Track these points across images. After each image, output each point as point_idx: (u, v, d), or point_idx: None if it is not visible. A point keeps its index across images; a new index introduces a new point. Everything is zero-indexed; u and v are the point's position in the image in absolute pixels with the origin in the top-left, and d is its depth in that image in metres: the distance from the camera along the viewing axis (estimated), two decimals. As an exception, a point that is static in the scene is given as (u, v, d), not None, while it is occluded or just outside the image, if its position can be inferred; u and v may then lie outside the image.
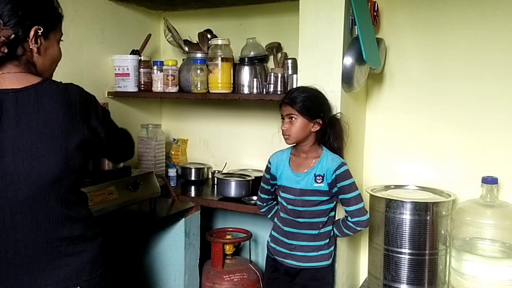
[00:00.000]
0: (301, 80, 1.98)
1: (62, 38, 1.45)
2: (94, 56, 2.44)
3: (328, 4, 1.89)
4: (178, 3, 2.61)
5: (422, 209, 1.93)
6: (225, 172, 2.48)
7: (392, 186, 2.17)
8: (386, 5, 2.22)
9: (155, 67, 2.50)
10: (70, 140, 1.18)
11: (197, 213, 2.21)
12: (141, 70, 2.53)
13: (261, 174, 2.52)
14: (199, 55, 2.45)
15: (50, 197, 1.18)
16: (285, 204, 1.83)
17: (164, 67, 2.45)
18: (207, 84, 2.33)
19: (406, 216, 1.93)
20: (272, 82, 2.20)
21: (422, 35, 2.18)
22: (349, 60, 1.91)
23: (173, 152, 2.79)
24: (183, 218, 2.12)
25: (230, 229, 2.49)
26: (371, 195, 2.06)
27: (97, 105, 1.30)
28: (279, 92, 2.18)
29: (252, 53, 2.40)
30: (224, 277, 2.23)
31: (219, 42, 2.30)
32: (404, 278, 1.96)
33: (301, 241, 1.80)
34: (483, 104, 2.08)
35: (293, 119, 1.74)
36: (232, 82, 2.32)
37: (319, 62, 1.94)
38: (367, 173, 2.33)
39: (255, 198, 2.22)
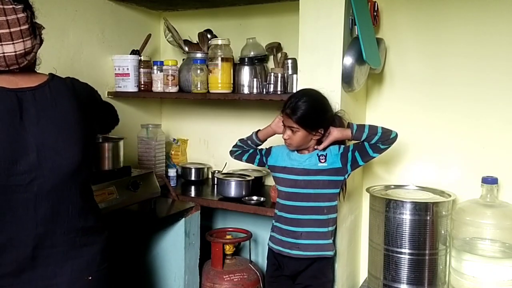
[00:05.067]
0: (301, 80, 1.98)
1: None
2: (94, 56, 2.44)
3: (328, 4, 1.89)
4: (178, 3, 2.61)
5: (422, 209, 1.92)
6: (225, 172, 2.48)
7: (392, 186, 2.17)
8: (386, 5, 2.22)
9: (155, 67, 2.50)
10: (84, 132, 1.27)
11: (197, 213, 2.21)
12: (141, 70, 2.53)
13: (261, 174, 2.54)
14: (199, 55, 2.45)
15: (71, 188, 1.25)
16: (286, 189, 1.83)
17: (164, 67, 2.45)
18: (207, 84, 2.32)
19: (406, 216, 1.93)
20: (272, 82, 2.20)
21: (422, 35, 2.18)
22: (349, 60, 1.91)
23: (173, 152, 2.79)
24: (183, 218, 2.12)
25: (230, 229, 2.49)
26: (371, 195, 2.06)
27: (95, 94, 1.40)
28: (279, 92, 2.18)
29: (252, 53, 2.40)
30: (224, 277, 2.23)
31: (219, 42, 2.30)
32: (404, 278, 1.96)
33: (307, 227, 1.80)
34: (483, 104, 2.08)
35: (294, 130, 1.76)
36: (232, 82, 2.32)
37: (319, 62, 1.94)
38: (367, 173, 2.33)
39: (255, 198, 2.23)
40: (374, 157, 1.79)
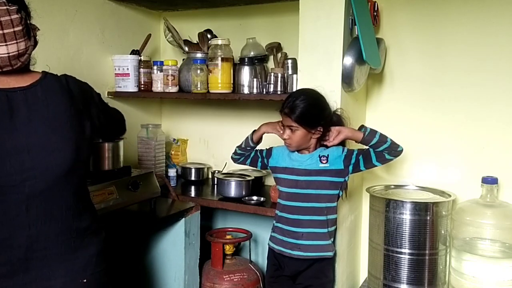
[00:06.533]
0: (301, 80, 1.98)
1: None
2: (94, 56, 2.44)
3: (328, 4, 1.89)
4: (178, 3, 2.61)
5: (422, 209, 1.93)
6: (225, 172, 2.48)
7: (392, 186, 2.18)
8: (386, 5, 2.22)
9: (155, 67, 2.49)
10: (78, 132, 1.25)
11: (197, 213, 2.21)
12: (141, 70, 2.53)
13: (261, 174, 2.54)
14: (199, 55, 2.45)
15: (65, 188, 1.23)
16: (287, 190, 1.83)
17: (164, 67, 2.45)
18: (207, 84, 2.32)
19: (406, 216, 1.93)
20: (272, 82, 2.20)
21: (422, 35, 2.18)
22: (349, 60, 1.91)
23: (173, 152, 2.79)
24: (183, 218, 2.12)
25: (230, 229, 2.49)
26: (371, 195, 2.06)
27: (92, 93, 1.37)
28: (279, 92, 2.18)
29: (252, 53, 2.40)
30: (224, 277, 2.23)
31: (219, 42, 2.30)
32: (404, 278, 1.96)
33: (307, 227, 1.80)
34: (483, 104, 2.08)
35: (293, 129, 1.75)
36: (232, 82, 2.32)
37: (319, 62, 1.94)
38: (367, 173, 2.32)
39: (255, 198, 2.23)
40: (376, 165, 1.80)
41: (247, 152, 1.97)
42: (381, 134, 1.76)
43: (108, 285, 1.36)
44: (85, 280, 1.26)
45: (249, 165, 2.02)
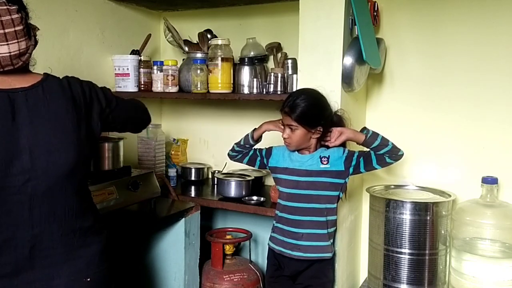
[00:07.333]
0: (301, 80, 1.98)
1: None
2: (94, 56, 2.44)
3: (328, 4, 1.89)
4: (178, 3, 2.62)
5: (422, 209, 1.93)
6: (225, 172, 2.48)
7: (392, 186, 2.18)
8: (386, 5, 2.22)
9: (155, 67, 2.49)
10: (80, 132, 1.25)
11: (197, 213, 2.21)
12: (141, 70, 2.53)
13: (261, 174, 2.54)
14: (199, 55, 2.45)
15: (67, 188, 1.23)
16: (288, 190, 1.83)
17: (164, 67, 2.45)
18: (207, 84, 2.32)
19: (406, 216, 1.93)
20: (272, 82, 2.20)
21: (422, 35, 2.19)
22: (349, 60, 1.91)
23: (173, 152, 2.79)
24: (183, 218, 2.12)
25: (230, 229, 2.49)
26: (371, 195, 2.06)
27: (97, 91, 1.37)
28: (279, 92, 2.18)
29: (252, 53, 2.40)
30: (224, 277, 2.23)
31: (219, 42, 2.30)
32: (404, 278, 1.96)
33: (307, 228, 1.80)
34: (483, 104, 2.09)
35: (293, 129, 1.75)
36: (232, 82, 2.32)
37: (319, 62, 1.94)
38: (367, 173, 2.31)
39: (255, 198, 2.23)
40: (376, 168, 1.79)
41: (245, 149, 1.97)
42: (382, 137, 1.76)
43: (111, 284, 1.37)
44: (88, 279, 1.27)
45: (246, 164, 2.00)
